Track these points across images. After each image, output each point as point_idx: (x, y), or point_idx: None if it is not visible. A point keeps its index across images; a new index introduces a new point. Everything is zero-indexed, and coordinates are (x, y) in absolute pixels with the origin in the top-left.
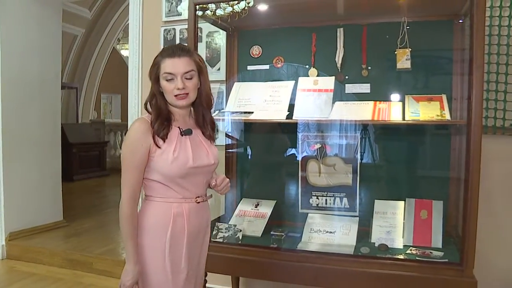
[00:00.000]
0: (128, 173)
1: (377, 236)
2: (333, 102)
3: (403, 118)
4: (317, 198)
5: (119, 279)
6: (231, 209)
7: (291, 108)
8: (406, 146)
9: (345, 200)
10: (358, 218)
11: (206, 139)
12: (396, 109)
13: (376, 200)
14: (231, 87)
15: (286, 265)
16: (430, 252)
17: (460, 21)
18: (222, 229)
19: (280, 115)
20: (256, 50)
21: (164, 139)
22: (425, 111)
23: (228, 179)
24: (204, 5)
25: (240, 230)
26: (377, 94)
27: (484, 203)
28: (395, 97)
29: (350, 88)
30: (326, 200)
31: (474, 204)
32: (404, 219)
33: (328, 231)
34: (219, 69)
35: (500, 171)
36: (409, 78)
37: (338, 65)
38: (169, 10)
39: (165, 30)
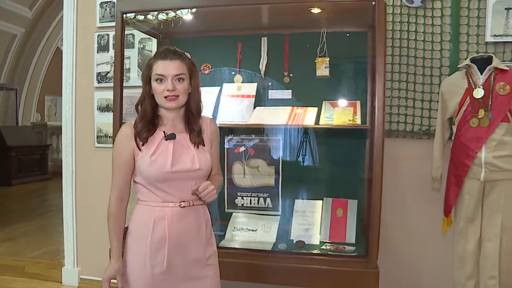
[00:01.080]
0: (115, 175)
1: (296, 233)
2: (254, 108)
3: (317, 123)
4: (242, 198)
5: (54, 282)
6: None
7: (216, 112)
8: (325, 149)
9: (268, 200)
10: (279, 216)
11: (195, 144)
12: (311, 114)
13: (296, 200)
14: None
15: None
16: (344, 247)
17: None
18: None
19: None
20: None
21: (143, 142)
22: (339, 116)
23: (213, 186)
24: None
25: None
26: (298, 100)
27: (396, 200)
28: (313, 102)
29: (273, 94)
30: (250, 200)
31: (377, 201)
32: (321, 217)
33: (250, 229)
34: None
35: (408, 171)
36: (327, 85)
37: (262, 72)
38: (103, 16)
39: (99, 35)
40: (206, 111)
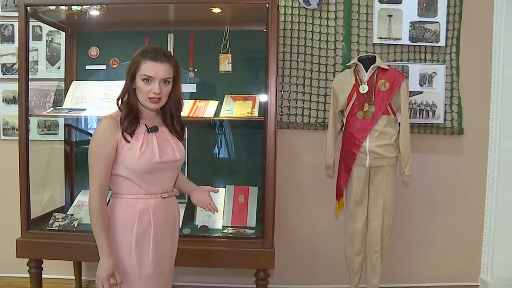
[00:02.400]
0: (96, 169)
1: (201, 219)
2: None
3: (217, 115)
4: None
5: None
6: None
7: None
8: (230, 140)
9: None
10: (185, 204)
11: (172, 136)
12: (211, 107)
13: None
14: (70, 86)
15: None
16: (244, 231)
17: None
18: (59, 218)
19: (111, 112)
20: (94, 51)
21: (131, 135)
22: (239, 109)
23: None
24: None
25: (77, 219)
26: (202, 94)
27: (295, 186)
28: (216, 96)
29: None
30: None
31: (271, 188)
32: (224, 203)
33: None
34: (59, 68)
35: (305, 159)
36: (230, 80)
37: None
38: (5, 5)
39: (1, 25)
40: (114, 104)
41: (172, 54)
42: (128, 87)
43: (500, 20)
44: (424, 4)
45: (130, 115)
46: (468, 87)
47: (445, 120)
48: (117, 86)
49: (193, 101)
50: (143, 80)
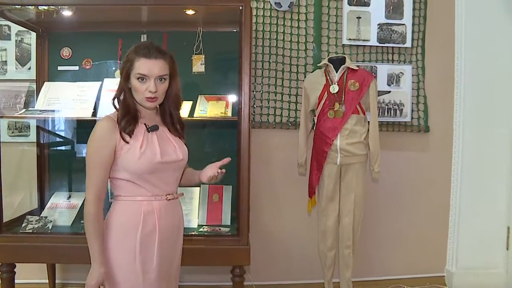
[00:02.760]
0: (93, 171)
1: None
2: None
3: (192, 115)
4: None
5: None
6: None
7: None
8: (202, 140)
9: None
10: None
11: (173, 136)
12: (185, 107)
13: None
14: (41, 87)
15: None
16: (219, 229)
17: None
18: (32, 221)
19: (85, 113)
20: (66, 52)
21: (130, 135)
22: (212, 109)
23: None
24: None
25: (51, 221)
26: None
27: (268, 184)
28: (190, 97)
29: None
30: None
31: (245, 186)
32: (199, 203)
33: None
34: (29, 68)
35: (278, 158)
36: (203, 80)
37: None
38: None
39: None
40: (88, 105)
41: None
42: (123, 87)
43: (461, 23)
44: (391, 7)
45: (127, 115)
46: (433, 86)
47: (412, 118)
48: (91, 87)
49: None
50: (138, 79)
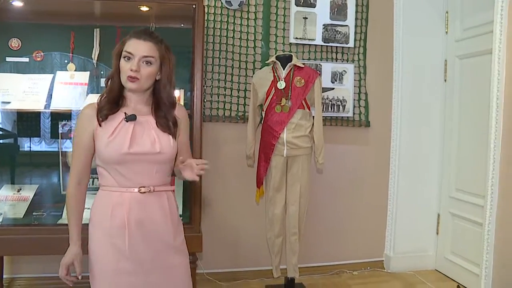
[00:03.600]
0: (74, 157)
1: None
2: (87, 94)
3: None
4: None
5: None
6: None
7: (50, 99)
8: None
9: None
10: None
11: (158, 129)
12: None
13: None
14: None
15: (47, 239)
16: None
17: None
18: None
19: (38, 105)
20: (15, 43)
21: (103, 119)
22: None
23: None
24: None
25: (1, 213)
26: None
27: (218, 175)
28: None
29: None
30: (93, 181)
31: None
32: None
33: (87, 208)
34: None
35: (227, 150)
36: None
37: (95, 62)
38: None
39: None
40: (40, 98)
41: (99, 48)
42: (114, 69)
43: (399, 25)
44: (336, 9)
45: (108, 95)
46: (373, 84)
47: (354, 114)
48: (42, 80)
49: None
50: (124, 57)
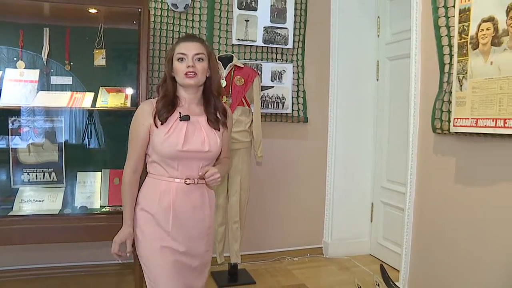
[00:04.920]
0: (130, 147)
1: (80, 201)
2: (37, 92)
3: (94, 106)
4: (28, 174)
5: None
6: None
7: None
8: (104, 128)
9: (53, 174)
10: (64, 188)
11: (210, 128)
12: (88, 98)
13: (78, 172)
14: None
15: None
16: (120, 209)
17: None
18: None
19: None
20: None
21: (162, 122)
22: (113, 100)
23: (218, 175)
24: None
25: None
26: (78, 86)
27: None
28: (91, 88)
29: (55, 80)
30: (36, 175)
31: (144, 169)
32: (101, 186)
33: (37, 200)
34: None
35: None
36: (104, 73)
37: (44, 60)
38: None
39: None
40: None
41: (48, 47)
42: (166, 74)
43: (335, 28)
44: (276, 12)
45: (164, 97)
46: (311, 83)
47: (292, 110)
48: None
49: (70, 92)
50: (178, 59)
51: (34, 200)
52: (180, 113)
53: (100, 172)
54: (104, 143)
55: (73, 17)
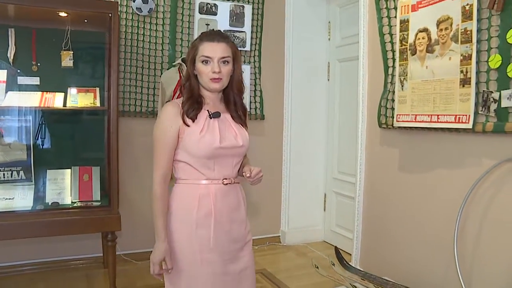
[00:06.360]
0: (159, 154)
1: (51, 197)
2: (6, 92)
3: (64, 105)
4: None
5: None
6: None
7: None
8: (73, 127)
9: (21, 172)
10: (33, 185)
11: (236, 123)
12: (59, 98)
13: (48, 170)
14: None
15: None
16: (91, 203)
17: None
18: None
19: None
20: None
21: (193, 119)
22: (82, 100)
23: (262, 173)
24: None
25: None
26: (46, 86)
27: (132, 164)
28: (60, 88)
29: (23, 80)
30: (4, 174)
31: (114, 166)
32: (71, 182)
33: (7, 198)
34: None
35: (140, 142)
36: (72, 74)
37: (11, 60)
38: None
39: None
40: None
41: (14, 48)
42: (189, 73)
43: (289, 32)
44: (234, 17)
45: (190, 98)
46: (267, 83)
47: (250, 108)
48: None
49: (40, 92)
50: (202, 62)
51: (4, 198)
52: (208, 111)
53: (70, 170)
54: (73, 142)
55: (40, 19)
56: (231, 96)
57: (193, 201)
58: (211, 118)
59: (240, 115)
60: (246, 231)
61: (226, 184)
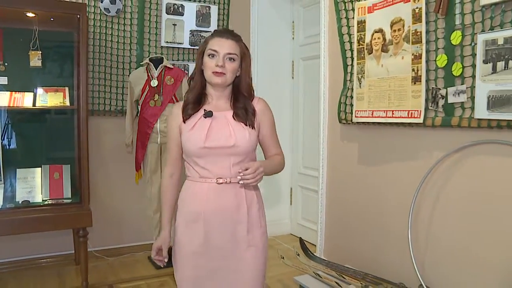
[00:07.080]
0: (168, 150)
1: (21, 195)
2: None
3: (34, 105)
4: None
5: None
6: None
7: None
8: (42, 126)
9: None
10: (3, 184)
11: (236, 122)
12: (28, 98)
13: (18, 169)
14: None
15: None
16: (62, 201)
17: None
18: None
19: None
20: None
21: (186, 116)
22: (52, 99)
23: (262, 169)
24: None
25: None
26: (14, 86)
27: (101, 162)
28: (28, 88)
29: None
30: None
31: (85, 164)
32: (41, 181)
33: None
34: None
35: (109, 140)
36: (41, 74)
37: None
38: None
39: None
40: None
41: None
42: (197, 67)
43: (254, 31)
44: (201, 17)
45: (190, 92)
46: None
47: None
48: None
49: (9, 92)
50: (209, 55)
51: None
52: (204, 110)
53: (40, 168)
54: (43, 141)
55: (7, 19)
56: (241, 99)
57: (188, 198)
58: (205, 117)
59: (247, 115)
60: (251, 233)
61: (221, 183)
